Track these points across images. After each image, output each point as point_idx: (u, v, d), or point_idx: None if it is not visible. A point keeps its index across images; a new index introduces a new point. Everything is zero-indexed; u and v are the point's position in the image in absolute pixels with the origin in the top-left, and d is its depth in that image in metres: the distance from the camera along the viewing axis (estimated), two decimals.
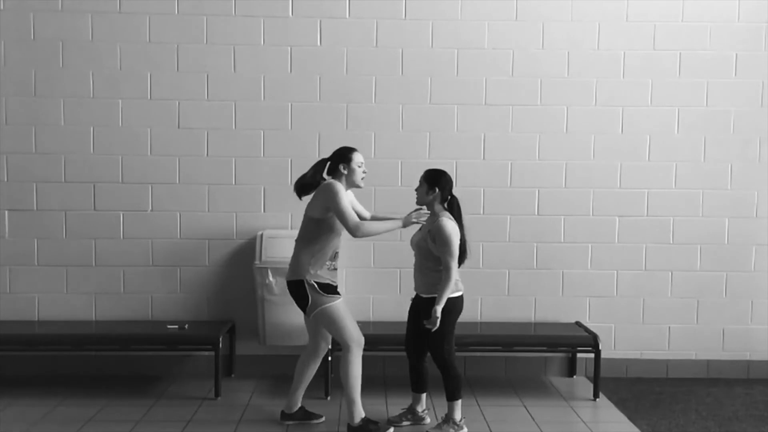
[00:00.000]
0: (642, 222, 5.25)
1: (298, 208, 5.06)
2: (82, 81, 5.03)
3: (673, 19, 5.16)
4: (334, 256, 4.07)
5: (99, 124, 5.06)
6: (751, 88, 5.21)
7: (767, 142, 5.24)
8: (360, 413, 4.04)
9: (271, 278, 4.78)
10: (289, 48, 5.08)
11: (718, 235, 5.27)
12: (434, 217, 4.01)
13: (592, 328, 5.05)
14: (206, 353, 4.93)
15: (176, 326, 4.91)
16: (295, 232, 4.97)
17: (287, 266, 4.10)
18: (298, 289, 3.99)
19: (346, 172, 4.02)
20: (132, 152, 5.07)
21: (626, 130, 5.20)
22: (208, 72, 5.07)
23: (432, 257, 3.99)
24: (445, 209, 4.06)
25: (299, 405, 4.30)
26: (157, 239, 5.11)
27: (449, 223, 3.94)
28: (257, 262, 4.84)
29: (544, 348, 4.99)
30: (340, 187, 3.92)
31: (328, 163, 4.09)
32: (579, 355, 5.26)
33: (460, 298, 4.04)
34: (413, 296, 4.18)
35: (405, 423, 4.24)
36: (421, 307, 4.05)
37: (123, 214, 5.10)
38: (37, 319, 5.10)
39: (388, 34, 5.09)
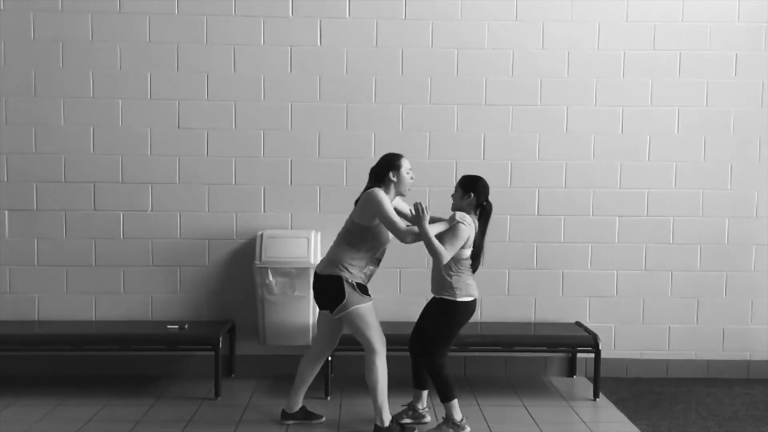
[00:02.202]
0: (642, 222, 5.24)
1: (298, 208, 5.10)
2: (82, 81, 5.03)
3: (673, 19, 5.16)
4: (377, 262, 4.02)
5: (99, 124, 5.05)
6: (751, 88, 5.21)
7: (767, 142, 5.24)
8: (389, 416, 4.03)
9: (271, 278, 4.77)
10: (289, 48, 5.08)
11: (718, 235, 5.27)
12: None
13: (592, 328, 5.05)
14: (206, 353, 4.92)
15: (176, 326, 4.91)
16: (295, 232, 4.97)
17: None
18: (333, 285, 3.90)
19: (395, 179, 3.94)
20: (132, 152, 5.07)
21: (626, 130, 5.20)
22: (208, 72, 5.06)
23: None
24: (475, 214, 4.02)
25: (300, 405, 4.30)
26: (157, 239, 5.11)
27: (464, 227, 3.90)
28: (257, 262, 4.83)
29: (544, 348, 4.99)
30: (382, 194, 3.85)
31: (375, 171, 3.99)
32: (579, 355, 5.26)
33: (472, 303, 4.04)
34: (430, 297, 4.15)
35: (406, 421, 4.24)
36: (430, 306, 4.07)
37: (123, 214, 5.10)
38: (37, 319, 5.10)
39: (388, 34, 5.08)
